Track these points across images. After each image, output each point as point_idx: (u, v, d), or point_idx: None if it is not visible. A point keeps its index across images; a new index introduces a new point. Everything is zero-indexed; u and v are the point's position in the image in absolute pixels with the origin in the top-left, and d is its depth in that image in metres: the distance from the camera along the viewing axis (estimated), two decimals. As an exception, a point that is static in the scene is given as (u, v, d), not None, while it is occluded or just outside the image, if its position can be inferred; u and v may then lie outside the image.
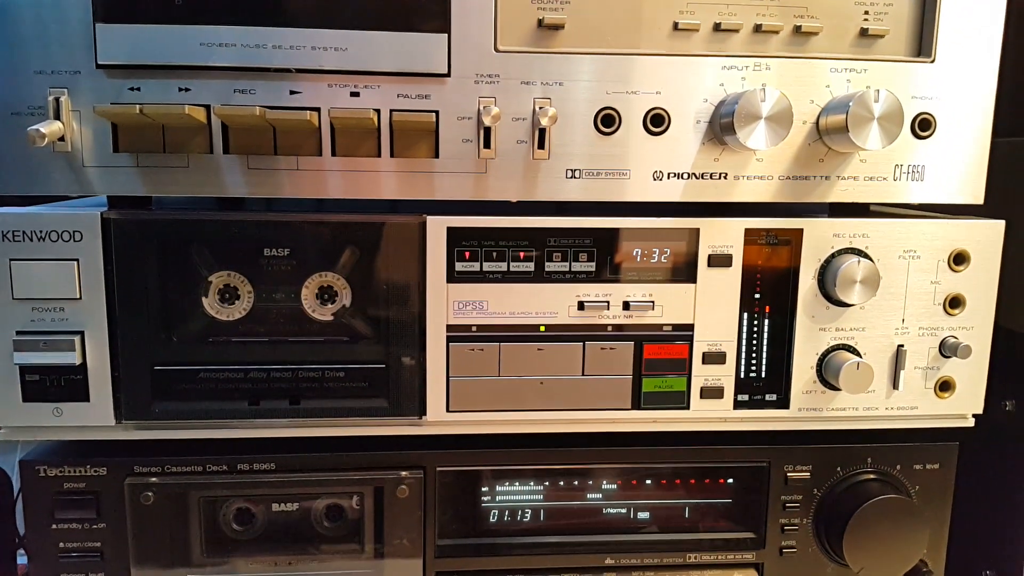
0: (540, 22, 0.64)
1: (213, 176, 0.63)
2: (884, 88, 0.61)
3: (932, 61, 0.66)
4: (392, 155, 0.64)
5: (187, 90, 0.61)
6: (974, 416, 0.73)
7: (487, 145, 0.63)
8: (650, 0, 0.65)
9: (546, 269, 0.67)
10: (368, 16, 0.61)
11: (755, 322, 0.69)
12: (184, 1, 0.60)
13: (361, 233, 0.65)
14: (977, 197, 0.68)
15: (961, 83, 0.66)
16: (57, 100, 0.60)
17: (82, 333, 0.63)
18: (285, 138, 0.62)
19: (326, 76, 0.62)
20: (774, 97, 0.61)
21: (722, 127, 0.63)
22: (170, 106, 0.60)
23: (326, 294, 0.67)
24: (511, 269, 0.67)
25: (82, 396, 0.64)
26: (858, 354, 0.69)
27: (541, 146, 0.64)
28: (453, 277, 0.66)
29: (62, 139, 0.60)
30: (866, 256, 0.67)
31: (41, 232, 0.62)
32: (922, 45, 0.67)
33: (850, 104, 0.61)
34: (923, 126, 0.67)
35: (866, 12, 0.66)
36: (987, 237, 0.69)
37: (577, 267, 0.67)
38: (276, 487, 0.70)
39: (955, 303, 0.69)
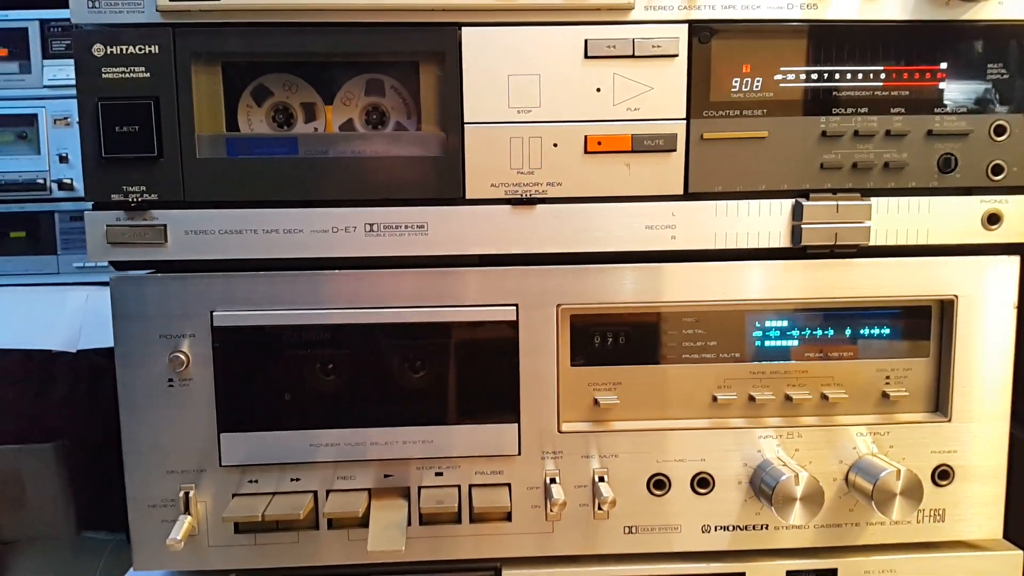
0: (596, 401, 0.73)
1: (319, 548, 0.73)
2: (904, 467, 0.70)
3: (948, 420, 0.74)
4: (471, 522, 0.73)
5: (298, 479, 0.72)
6: None
7: (552, 510, 0.72)
8: (690, 378, 0.74)
9: (607, 606, 0.75)
10: (449, 414, 0.71)
11: (797, 647, 0.76)
12: (294, 413, 0.71)
13: (443, 583, 0.75)
14: (995, 533, 0.76)
15: (976, 436, 0.74)
16: (187, 494, 0.71)
17: None
18: (379, 516, 0.72)
19: (415, 462, 0.72)
20: (806, 480, 0.69)
21: (761, 492, 0.72)
22: (288, 500, 0.70)
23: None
24: (577, 607, 0.75)
25: None
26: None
27: (601, 508, 0.73)
28: (526, 619, 0.75)
29: (189, 525, 0.71)
30: (896, 590, 0.75)
31: (173, 603, 0.72)
32: (939, 404, 0.75)
33: (874, 483, 0.69)
34: (942, 476, 0.74)
35: (887, 377, 0.75)
36: (1006, 568, 0.76)
37: (635, 604, 0.76)
38: None
39: (981, 626, 0.76)
